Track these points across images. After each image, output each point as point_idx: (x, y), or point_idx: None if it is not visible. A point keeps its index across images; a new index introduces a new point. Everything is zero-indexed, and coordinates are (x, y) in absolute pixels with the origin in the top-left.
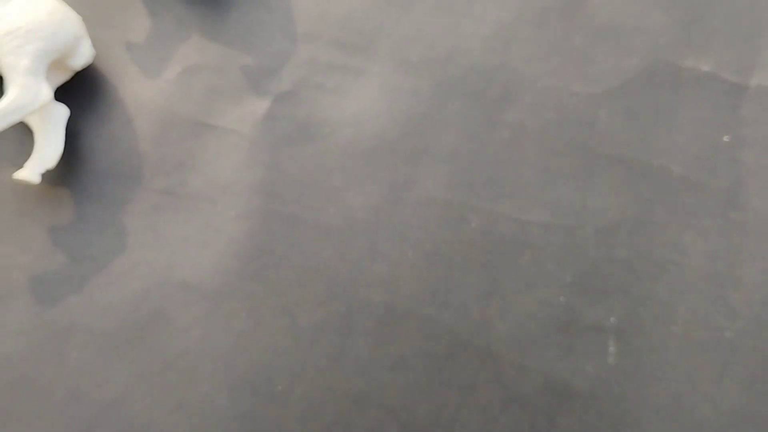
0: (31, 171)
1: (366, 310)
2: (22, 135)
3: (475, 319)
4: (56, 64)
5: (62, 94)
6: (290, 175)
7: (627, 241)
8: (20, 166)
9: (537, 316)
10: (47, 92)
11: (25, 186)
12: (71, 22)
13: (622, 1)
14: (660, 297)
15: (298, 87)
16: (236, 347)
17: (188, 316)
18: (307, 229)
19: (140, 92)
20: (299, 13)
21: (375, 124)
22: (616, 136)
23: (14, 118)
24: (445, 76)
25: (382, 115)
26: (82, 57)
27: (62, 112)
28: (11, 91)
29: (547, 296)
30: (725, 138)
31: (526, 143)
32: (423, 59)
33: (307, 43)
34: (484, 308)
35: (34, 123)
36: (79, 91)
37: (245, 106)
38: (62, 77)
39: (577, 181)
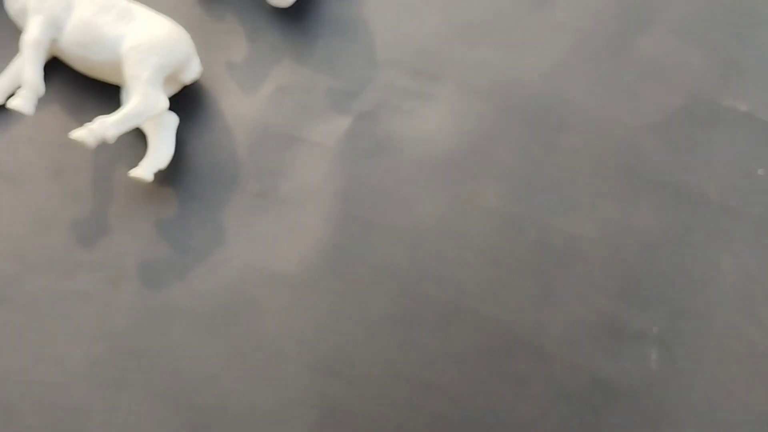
0: (145, 170)
1: (433, 308)
2: (134, 139)
3: (530, 321)
4: (169, 78)
5: (171, 104)
6: (368, 184)
7: (669, 258)
8: (133, 165)
9: (587, 322)
10: (164, 101)
11: (138, 183)
12: (185, 41)
13: (666, 44)
14: (698, 311)
15: (376, 108)
16: (318, 334)
17: (276, 304)
18: (381, 232)
19: (239, 106)
20: (379, 43)
21: (443, 142)
22: (659, 164)
23: (136, 122)
24: (507, 104)
25: (450, 135)
26: (192, 72)
27: (173, 119)
28: (134, 98)
29: (595, 304)
30: (760, 171)
31: (578, 167)
32: (488, 88)
33: (386, 69)
34: (539, 311)
35: (148, 128)
36: (186, 102)
37: (330, 122)
38: (173, 89)
39: (623, 203)
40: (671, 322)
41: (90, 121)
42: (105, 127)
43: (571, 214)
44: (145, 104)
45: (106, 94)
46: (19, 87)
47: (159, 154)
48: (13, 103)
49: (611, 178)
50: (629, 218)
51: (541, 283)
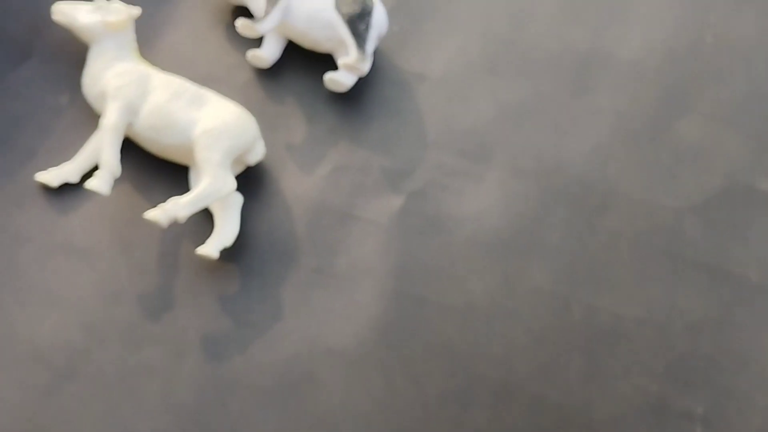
0: (212, 248)
1: (483, 385)
2: (198, 216)
3: (578, 399)
4: (235, 160)
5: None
6: (420, 262)
7: (711, 338)
8: (197, 242)
9: (633, 401)
10: (233, 182)
11: (203, 259)
12: (252, 126)
13: (704, 128)
14: (742, 390)
15: (427, 187)
16: (373, 409)
17: (332, 380)
18: (434, 309)
19: (298, 185)
20: (429, 125)
21: (492, 222)
22: (699, 245)
23: (206, 203)
24: (551, 184)
25: (498, 214)
26: (257, 155)
27: (238, 199)
28: (205, 180)
29: (641, 383)
30: None
31: (621, 247)
32: (533, 169)
33: (436, 150)
34: (587, 389)
35: (214, 207)
36: (249, 181)
37: (383, 201)
38: (237, 169)
39: (666, 283)
40: (715, 402)
41: (159, 199)
42: (177, 207)
43: (616, 294)
44: (215, 186)
45: (174, 174)
46: (92, 166)
47: (225, 232)
48: (91, 184)
49: (653, 258)
50: (672, 298)
51: (589, 362)
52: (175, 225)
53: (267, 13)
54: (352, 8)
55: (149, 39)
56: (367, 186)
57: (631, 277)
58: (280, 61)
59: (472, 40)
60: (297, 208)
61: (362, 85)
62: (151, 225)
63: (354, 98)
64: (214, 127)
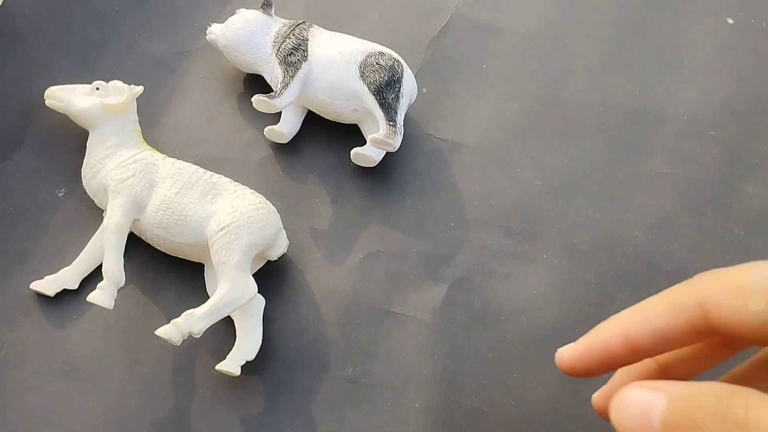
0: (233, 363)
1: None
2: (216, 323)
3: None
4: (255, 256)
5: (254, 280)
6: (469, 364)
7: None
8: (214, 351)
9: None
10: (254, 287)
11: (222, 375)
12: (273, 217)
13: None
14: None
15: (471, 273)
16: None
17: None
18: (489, 423)
19: (325, 278)
20: (469, 200)
21: (547, 311)
22: None
23: (225, 313)
24: (611, 265)
25: (554, 303)
26: (280, 248)
27: (260, 303)
28: (222, 286)
29: None
30: None
31: None
32: (589, 247)
33: (478, 229)
34: None
35: (235, 314)
36: (269, 277)
37: (423, 292)
38: (256, 266)
39: None
40: None
41: (170, 303)
42: (192, 321)
43: None
44: (233, 294)
45: (187, 273)
46: (93, 269)
47: (247, 344)
48: (94, 298)
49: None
50: None
51: None
52: (189, 338)
53: (285, 85)
54: (380, 76)
55: (153, 117)
56: (404, 275)
57: (710, 371)
58: (300, 134)
59: (508, 100)
60: (326, 306)
61: (392, 157)
62: (164, 341)
63: (383, 173)
64: (231, 223)
